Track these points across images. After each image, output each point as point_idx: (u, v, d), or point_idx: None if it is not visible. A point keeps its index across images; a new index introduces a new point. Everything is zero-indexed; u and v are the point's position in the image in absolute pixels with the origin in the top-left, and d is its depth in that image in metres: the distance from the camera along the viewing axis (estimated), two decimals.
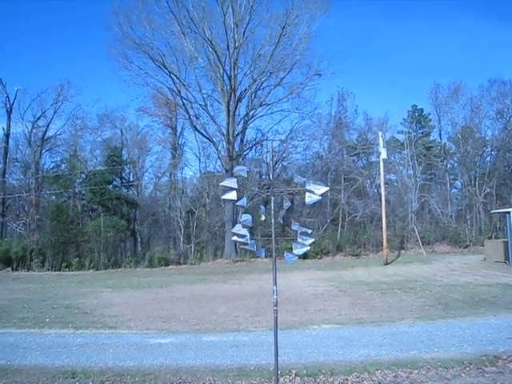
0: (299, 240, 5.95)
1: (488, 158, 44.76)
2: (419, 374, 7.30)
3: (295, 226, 5.93)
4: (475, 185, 40.20)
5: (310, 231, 6.06)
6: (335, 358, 8.28)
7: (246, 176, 6.23)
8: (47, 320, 12.95)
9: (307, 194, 5.87)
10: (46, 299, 17.31)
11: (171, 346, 9.67)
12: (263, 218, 6.17)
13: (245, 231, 5.90)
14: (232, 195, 6.04)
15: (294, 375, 7.38)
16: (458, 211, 41.66)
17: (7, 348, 9.70)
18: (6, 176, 41.66)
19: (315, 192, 5.85)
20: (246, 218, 5.95)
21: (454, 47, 67.02)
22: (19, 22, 69.33)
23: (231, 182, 6.02)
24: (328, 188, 6.01)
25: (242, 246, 6.42)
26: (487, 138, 43.96)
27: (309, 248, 6.07)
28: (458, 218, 40.70)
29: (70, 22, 71.57)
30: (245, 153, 40.78)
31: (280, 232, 21.63)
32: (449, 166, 44.82)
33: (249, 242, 6.03)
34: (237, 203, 6.38)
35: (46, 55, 70.25)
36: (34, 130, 42.09)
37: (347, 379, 7.17)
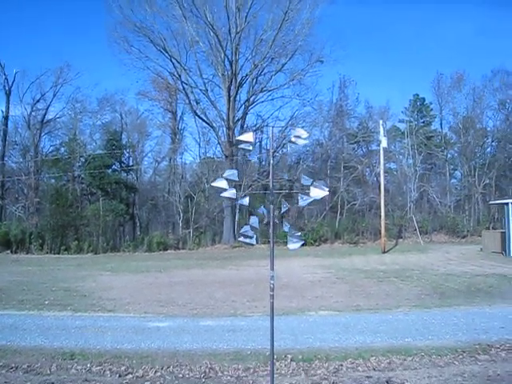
0: (290, 238, 5.80)
1: (488, 149, 44.77)
2: (413, 361, 7.40)
3: (286, 228, 5.83)
4: (475, 175, 40.21)
5: (299, 233, 5.95)
6: (331, 344, 8.38)
7: (238, 179, 5.94)
8: (46, 302, 13.05)
9: (300, 195, 5.66)
10: (45, 282, 17.41)
11: (169, 330, 9.76)
12: (265, 221, 6.04)
13: (252, 233, 5.81)
14: (229, 193, 5.80)
15: (289, 360, 7.47)
16: (456, 201, 41.73)
17: (6, 329, 9.79)
18: (5, 159, 41.55)
19: (311, 194, 5.66)
20: (253, 220, 5.86)
21: (457, 37, 66.34)
22: (19, 4, 68.65)
23: (232, 174, 5.78)
24: (327, 193, 5.75)
25: (240, 239, 6.35)
26: (488, 129, 43.95)
27: (299, 245, 5.89)
28: (456, 209, 40.81)
29: (70, 4, 70.71)
30: None
31: (279, 218, 21.65)
32: (449, 156, 44.63)
33: (254, 243, 5.96)
34: (237, 202, 6.26)
35: (45, 38, 69.62)
36: (33, 113, 41.90)
37: (342, 365, 7.26)
